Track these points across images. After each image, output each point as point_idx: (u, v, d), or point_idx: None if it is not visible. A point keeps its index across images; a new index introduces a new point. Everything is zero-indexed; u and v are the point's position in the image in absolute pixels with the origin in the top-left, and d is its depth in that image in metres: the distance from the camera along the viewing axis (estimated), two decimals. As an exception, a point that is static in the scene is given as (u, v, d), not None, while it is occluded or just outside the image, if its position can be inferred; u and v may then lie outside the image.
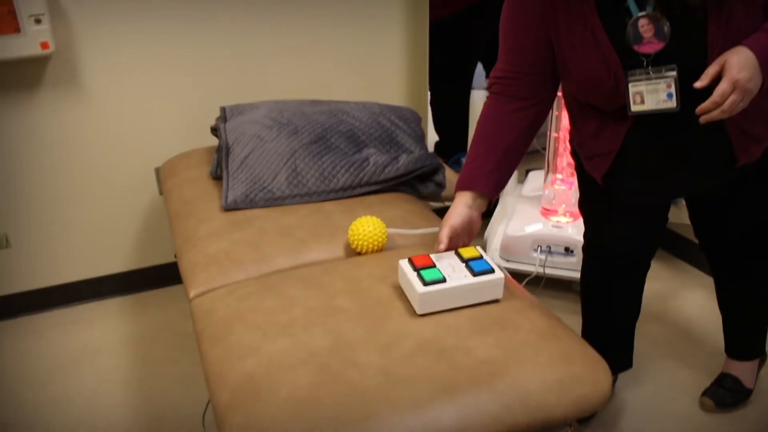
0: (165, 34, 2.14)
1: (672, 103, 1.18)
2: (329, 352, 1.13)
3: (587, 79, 1.24)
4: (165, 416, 1.81)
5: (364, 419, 0.99)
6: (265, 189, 1.70)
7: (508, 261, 2.24)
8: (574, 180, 2.09)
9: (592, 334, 1.73)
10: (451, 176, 1.88)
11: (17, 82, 2.03)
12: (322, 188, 1.72)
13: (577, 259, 2.15)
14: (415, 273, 1.23)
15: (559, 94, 1.80)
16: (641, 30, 1.17)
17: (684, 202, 2.06)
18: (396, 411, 1.00)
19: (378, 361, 1.10)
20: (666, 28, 1.15)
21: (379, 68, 2.46)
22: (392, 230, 1.49)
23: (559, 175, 2.24)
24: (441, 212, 2.67)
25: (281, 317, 1.23)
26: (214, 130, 1.97)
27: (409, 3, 2.40)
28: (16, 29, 1.85)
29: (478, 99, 3.19)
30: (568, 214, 2.22)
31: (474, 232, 1.34)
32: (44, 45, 1.91)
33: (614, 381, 1.84)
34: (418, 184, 1.83)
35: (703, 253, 1.65)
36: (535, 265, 2.20)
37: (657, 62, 1.18)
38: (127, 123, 2.20)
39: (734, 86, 1.10)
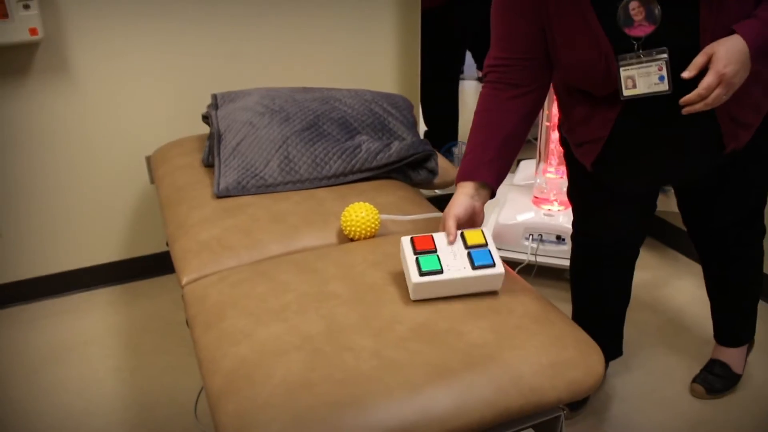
0: (155, 22, 2.12)
1: (664, 86, 1.18)
2: (322, 337, 1.13)
3: (579, 63, 1.24)
4: (157, 405, 1.81)
5: (358, 403, 0.99)
6: (257, 176, 1.69)
7: (500, 249, 2.25)
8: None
9: (581, 322, 1.73)
10: (443, 163, 1.88)
11: (5, 69, 2.01)
12: (314, 175, 1.72)
13: (568, 248, 2.16)
14: (414, 258, 1.21)
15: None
16: (632, 13, 1.17)
17: (672, 190, 2.06)
18: (390, 394, 1.00)
19: (372, 345, 1.10)
20: (657, 11, 1.15)
21: (371, 56, 2.46)
22: (385, 216, 1.49)
23: (550, 168, 2.24)
24: (433, 200, 2.68)
25: (274, 303, 1.23)
26: (206, 118, 1.96)
27: (400, -9, 2.39)
28: (4, 15, 1.83)
29: (467, 89, 3.19)
30: (558, 202, 2.23)
31: (477, 223, 1.33)
32: (33, 31, 1.89)
33: (605, 369, 1.85)
34: (411, 171, 1.83)
35: (692, 241, 1.66)
36: (526, 253, 2.21)
37: (648, 45, 1.18)
38: (117, 110, 2.18)
39: (720, 80, 1.10)
